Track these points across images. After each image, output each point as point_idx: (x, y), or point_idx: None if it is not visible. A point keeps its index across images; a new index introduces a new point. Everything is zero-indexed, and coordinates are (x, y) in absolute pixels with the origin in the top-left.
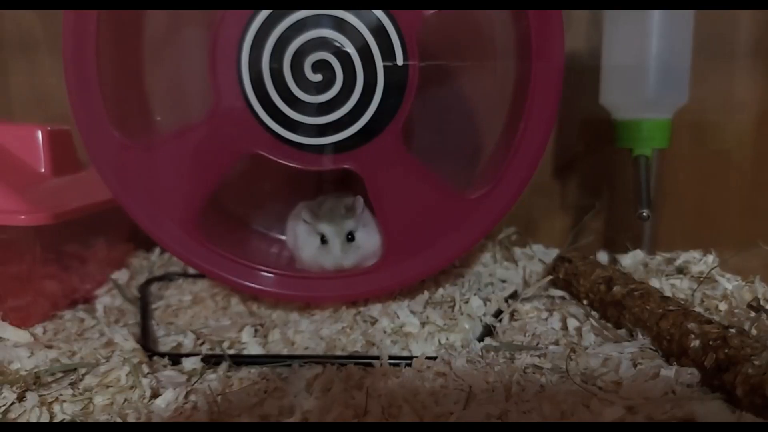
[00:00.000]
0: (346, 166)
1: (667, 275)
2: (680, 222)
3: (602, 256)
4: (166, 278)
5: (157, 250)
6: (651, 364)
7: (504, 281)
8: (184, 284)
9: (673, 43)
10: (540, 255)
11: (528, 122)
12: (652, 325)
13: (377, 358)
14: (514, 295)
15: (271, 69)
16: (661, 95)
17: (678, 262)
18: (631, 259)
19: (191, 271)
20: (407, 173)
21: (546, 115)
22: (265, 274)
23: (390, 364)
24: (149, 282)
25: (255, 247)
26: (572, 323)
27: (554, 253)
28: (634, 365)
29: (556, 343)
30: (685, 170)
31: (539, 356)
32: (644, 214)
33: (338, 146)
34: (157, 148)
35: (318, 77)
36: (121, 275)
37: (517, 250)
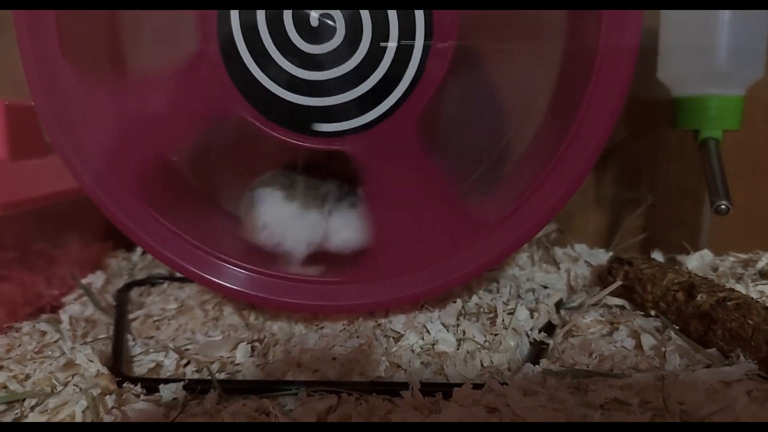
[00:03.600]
0: (336, 147)
1: (753, 281)
2: (744, 219)
3: (657, 257)
4: (149, 282)
5: (139, 250)
6: None
7: (545, 287)
8: (170, 289)
9: None
10: (585, 256)
11: (580, 129)
12: (760, 344)
13: (406, 386)
14: (559, 304)
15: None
16: (733, 67)
17: (760, 265)
18: (697, 261)
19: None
20: (415, 168)
21: (608, 110)
22: (234, 269)
23: (422, 393)
24: (128, 287)
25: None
26: (647, 341)
27: (600, 254)
28: (749, 398)
29: (636, 367)
30: (753, 157)
31: (620, 387)
32: (722, 206)
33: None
34: (116, 88)
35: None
36: (95, 279)
37: (558, 251)
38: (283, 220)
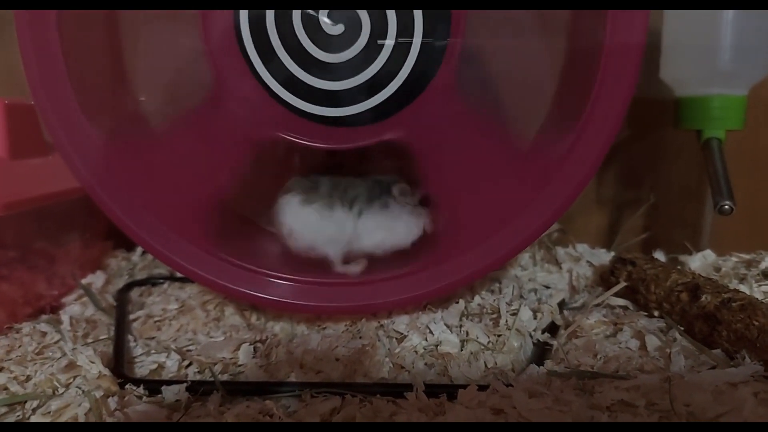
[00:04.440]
0: (389, 137)
1: (756, 281)
2: (746, 219)
3: (658, 258)
4: (149, 282)
5: (140, 249)
6: None
7: (547, 287)
8: (170, 289)
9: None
10: (587, 256)
11: (586, 129)
12: (766, 345)
13: (410, 387)
14: (562, 304)
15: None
16: (736, 66)
17: (764, 265)
18: (700, 261)
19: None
20: (470, 134)
21: (614, 110)
22: (278, 281)
23: (427, 394)
24: (129, 287)
25: (266, 251)
26: (652, 342)
27: (602, 254)
28: (756, 400)
29: (641, 368)
30: (755, 157)
31: (627, 389)
32: (726, 206)
33: (378, 112)
34: (149, 146)
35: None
36: (95, 279)
37: (560, 251)
38: (305, 223)
